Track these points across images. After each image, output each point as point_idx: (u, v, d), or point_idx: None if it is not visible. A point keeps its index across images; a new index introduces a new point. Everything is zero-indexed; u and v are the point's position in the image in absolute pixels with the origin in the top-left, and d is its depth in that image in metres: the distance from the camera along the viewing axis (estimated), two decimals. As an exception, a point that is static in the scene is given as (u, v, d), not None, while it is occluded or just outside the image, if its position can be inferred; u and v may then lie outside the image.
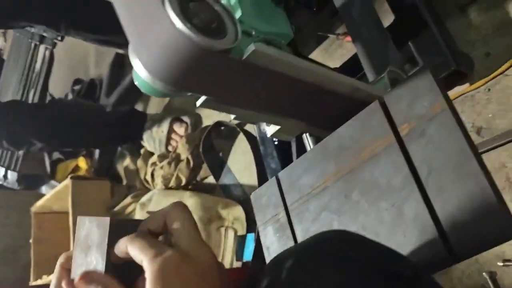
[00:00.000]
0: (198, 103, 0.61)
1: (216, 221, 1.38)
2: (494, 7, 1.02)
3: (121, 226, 0.44)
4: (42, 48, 2.08)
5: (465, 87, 1.04)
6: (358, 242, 0.43)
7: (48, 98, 2.20)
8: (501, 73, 0.98)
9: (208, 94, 0.59)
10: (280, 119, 0.68)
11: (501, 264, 0.89)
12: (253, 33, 0.82)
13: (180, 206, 0.43)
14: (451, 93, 1.07)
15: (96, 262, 0.42)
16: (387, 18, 1.22)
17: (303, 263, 0.40)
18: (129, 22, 0.54)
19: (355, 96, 0.64)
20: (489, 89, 1.01)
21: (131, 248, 0.41)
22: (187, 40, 0.50)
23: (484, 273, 0.90)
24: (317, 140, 0.77)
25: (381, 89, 0.77)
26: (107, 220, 0.43)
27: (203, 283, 0.40)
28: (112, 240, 0.42)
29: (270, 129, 0.74)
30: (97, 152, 2.19)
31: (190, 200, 1.43)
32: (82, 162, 2.22)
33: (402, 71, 0.83)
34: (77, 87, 2.56)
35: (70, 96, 2.55)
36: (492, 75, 0.99)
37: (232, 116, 0.68)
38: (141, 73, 0.55)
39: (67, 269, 0.45)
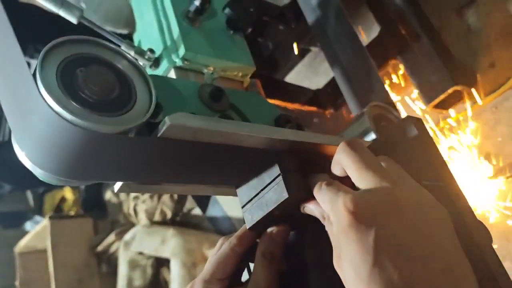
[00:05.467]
0: (116, 188, 0.47)
1: (201, 264, 1.25)
2: (496, 10, 0.86)
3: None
4: None
5: (467, 104, 0.89)
6: None
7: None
8: (510, 88, 0.83)
9: (118, 180, 0.45)
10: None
11: None
12: (205, 70, 0.68)
13: (344, 149, 0.39)
14: (452, 112, 0.92)
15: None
16: (373, 29, 1.08)
17: None
18: (5, 102, 0.41)
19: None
20: (496, 107, 0.85)
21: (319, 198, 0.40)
22: (68, 125, 0.36)
23: None
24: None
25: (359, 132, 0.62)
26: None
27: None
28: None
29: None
30: (81, 182, 2.07)
31: (173, 241, 1.30)
32: (68, 193, 2.10)
33: (389, 103, 0.68)
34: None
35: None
36: (499, 91, 0.84)
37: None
38: (25, 163, 0.42)
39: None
